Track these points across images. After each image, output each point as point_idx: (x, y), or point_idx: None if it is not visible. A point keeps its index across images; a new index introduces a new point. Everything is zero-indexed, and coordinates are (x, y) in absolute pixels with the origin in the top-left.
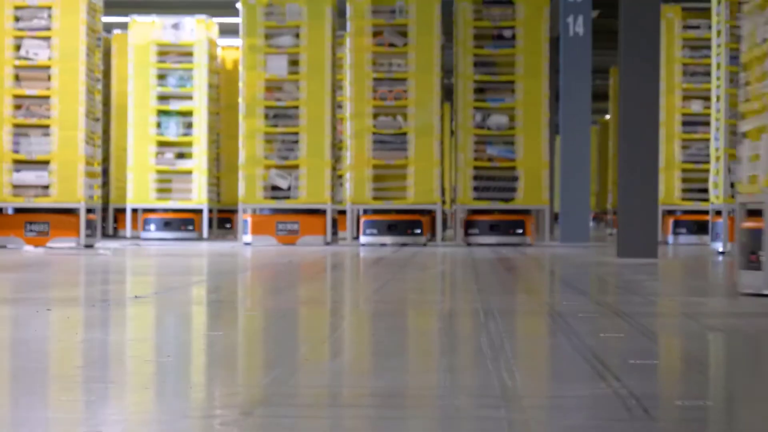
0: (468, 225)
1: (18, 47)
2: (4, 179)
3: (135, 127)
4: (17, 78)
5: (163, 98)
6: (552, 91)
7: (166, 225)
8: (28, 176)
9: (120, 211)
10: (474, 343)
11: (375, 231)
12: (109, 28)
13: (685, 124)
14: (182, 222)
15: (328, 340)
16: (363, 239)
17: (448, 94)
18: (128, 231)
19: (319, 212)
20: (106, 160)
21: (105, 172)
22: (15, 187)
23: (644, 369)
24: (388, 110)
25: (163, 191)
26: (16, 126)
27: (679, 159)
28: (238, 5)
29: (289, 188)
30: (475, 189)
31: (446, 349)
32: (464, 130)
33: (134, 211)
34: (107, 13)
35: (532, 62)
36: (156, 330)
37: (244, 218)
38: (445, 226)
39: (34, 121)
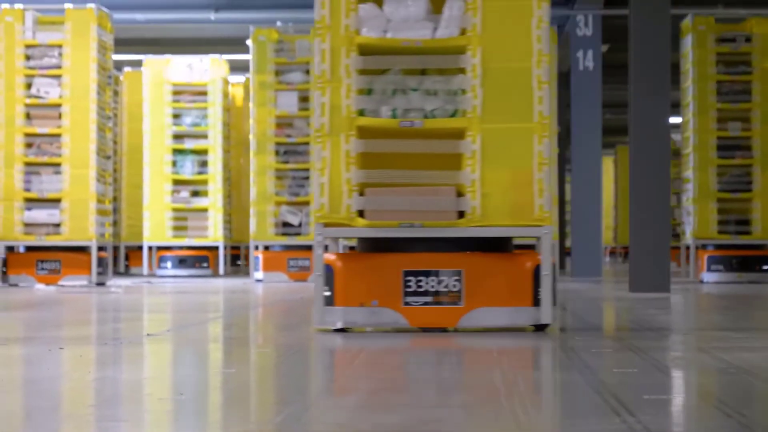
0: None
1: (29, 86)
2: (15, 218)
3: (150, 165)
4: (28, 116)
5: (178, 137)
6: (563, 125)
7: (181, 262)
8: (40, 214)
9: (131, 249)
10: (487, 379)
11: None
12: (119, 66)
13: (720, 148)
14: (197, 259)
15: (340, 377)
16: None
17: None
18: (145, 269)
19: None
20: (117, 198)
21: (116, 210)
22: (26, 225)
23: (658, 404)
24: None
25: (179, 229)
26: (28, 164)
27: (714, 188)
28: (249, 42)
29: (300, 225)
30: None
31: (451, 385)
32: None
33: (150, 248)
34: (117, 51)
35: None
36: (168, 368)
37: (256, 255)
38: None
39: (45, 159)
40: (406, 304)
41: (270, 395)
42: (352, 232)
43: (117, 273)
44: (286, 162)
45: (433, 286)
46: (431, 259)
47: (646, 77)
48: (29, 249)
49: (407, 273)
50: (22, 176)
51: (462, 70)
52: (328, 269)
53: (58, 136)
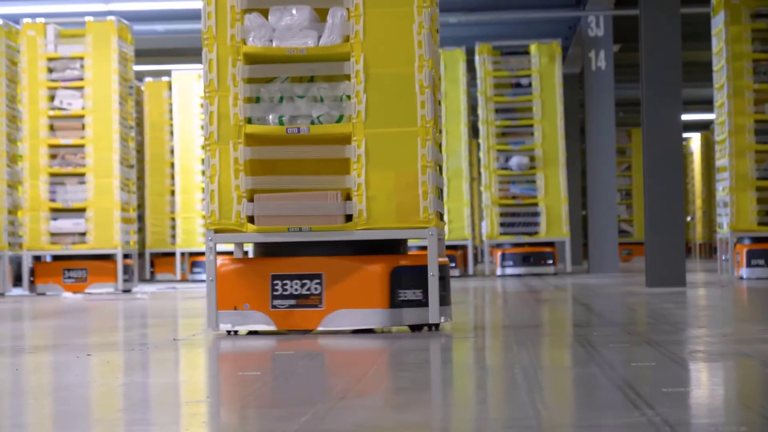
0: (500, 258)
1: (52, 98)
2: (41, 228)
3: (181, 174)
4: (52, 128)
5: None
6: (577, 124)
7: None
8: (65, 224)
9: (156, 256)
10: (508, 373)
11: None
12: (140, 76)
13: (758, 132)
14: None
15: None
16: None
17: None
18: (178, 274)
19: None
20: (141, 205)
21: (140, 218)
22: (53, 235)
23: (677, 396)
24: None
25: None
26: (52, 175)
27: (752, 176)
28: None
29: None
30: (501, 225)
31: (481, 378)
32: (489, 171)
33: (182, 255)
34: (138, 62)
35: (548, 106)
36: (195, 371)
37: None
38: (475, 260)
39: (69, 169)
40: (274, 307)
41: (295, 396)
42: (242, 237)
43: (142, 280)
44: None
45: (297, 290)
46: (295, 264)
47: (657, 76)
48: (56, 258)
49: (275, 277)
50: (47, 187)
51: (346, 77)
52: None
53: (82, 146)
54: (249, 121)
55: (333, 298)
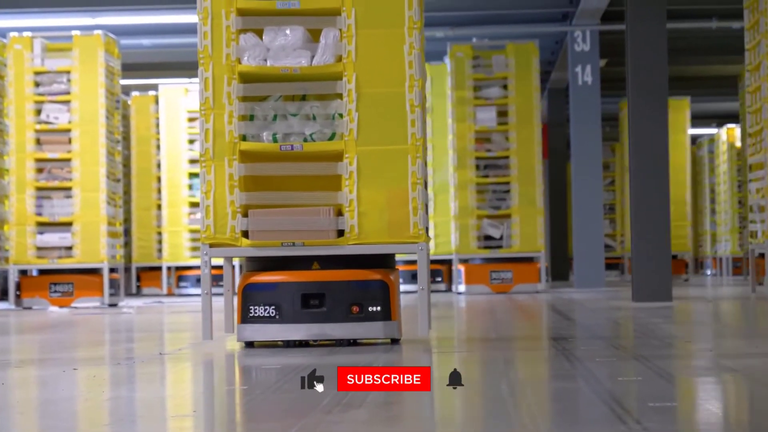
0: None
1: (39, 112)
2: (28, 241)
3: (168, 189)
4: (38, 142)
5: (193, 162)
6: (563, 139)
7: (199, 281)
8: (52, 238)
9: (143, 270)
10: (494, 386)
11: None
12: (127, 90)
13: None
14: (214, 278)
15: None
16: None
17: None
18: (164, 288)
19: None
20: (127, 219)
21: (127, 232)
22: (39, 248)
23: (663, 411)
24: None
25: (197, 249)
26: (39, 189)
27: None
28: (446, 58)
29: (501, 237)
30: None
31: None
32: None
33: (168, 269)
34: (125, 76)
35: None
36: (181, 386)
37: (459, 268)
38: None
39: (56, 183)
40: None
41: (281, 408)
42: (237, 251)
43: (129, 294)
44: (486, 176)
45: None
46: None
47: (643, 91)
48: (42, 272)
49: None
50: (33, 201)
51: (339, 96)
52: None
53: (69, 160)
54: (243, 138)
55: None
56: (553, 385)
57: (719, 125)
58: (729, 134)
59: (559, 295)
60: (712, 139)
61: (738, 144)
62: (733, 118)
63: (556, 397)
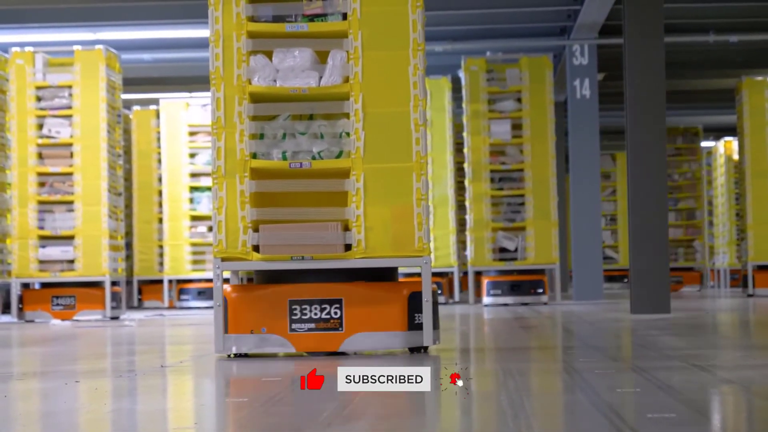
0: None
1: (40, 126)
2: (30, 255)
3: (169, 202)
4: (40, 156)
5: (194, 175)
6: (562, 153)
7: (200, 294)
8: (54, 251)
9: (144, 283)
10: (494, 398)
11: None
12: (128, 104)
13: None
14: (208, 291)
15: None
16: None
17: None
18: (165, 301)
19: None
20: (129, 233)
21: (128, 245)
22: (41, 262)
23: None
24: None
25: (198, 263)
26: (41, 203)
27: None
28: (460, 72)
29: (516, 249)
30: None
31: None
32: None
33: (170, 282)
34: (126, 91)
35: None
36: (183, 398)
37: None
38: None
39: (58, 197)
40: (292, 330)
41: (282, 421)
42: (248, 265)
43: (130, 307)
44: (501, 189)
45: (316, 314)
46: (314, 289)
47: (641, 104)
48: (44, 285)
49: (293, 302)
50: (35, 215)
51: (346, 115)
52: (225, 300)
53: (70, 174)
54: (254, 156)
55: (352, 321)
56: (553, 397)
57: (717, 138)
58: (726, 147)
59: (559, 309)
60: (709, 152)
61: (735, 157)
62: (730, 131)
63: (556, 408)
